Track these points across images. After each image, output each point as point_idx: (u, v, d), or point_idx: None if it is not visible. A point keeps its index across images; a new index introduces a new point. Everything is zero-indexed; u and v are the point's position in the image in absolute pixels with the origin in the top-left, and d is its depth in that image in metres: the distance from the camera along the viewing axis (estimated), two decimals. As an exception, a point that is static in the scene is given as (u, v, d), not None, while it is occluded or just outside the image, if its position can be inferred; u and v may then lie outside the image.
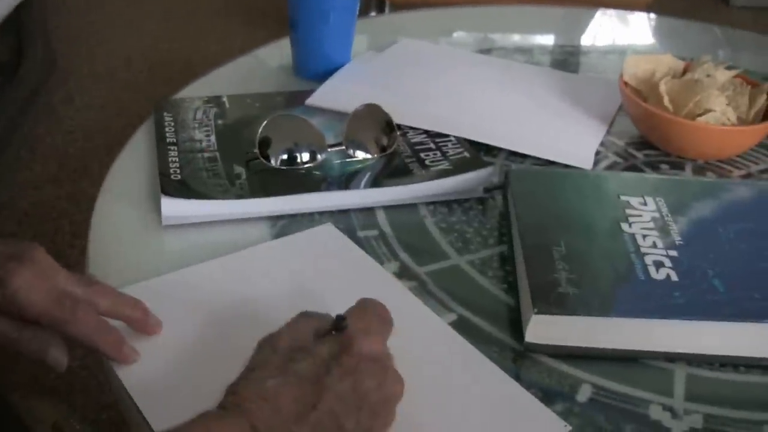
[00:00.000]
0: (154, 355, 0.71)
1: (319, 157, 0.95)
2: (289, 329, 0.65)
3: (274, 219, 0.90)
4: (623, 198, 0.89)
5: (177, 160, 0.95)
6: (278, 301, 0.76)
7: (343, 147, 0.97)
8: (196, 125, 1.03)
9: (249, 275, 0.81)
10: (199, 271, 0.82)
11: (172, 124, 1.03)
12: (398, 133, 1.01)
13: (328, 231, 0.89)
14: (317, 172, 0.95)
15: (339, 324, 0.64)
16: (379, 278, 0.82)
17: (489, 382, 0.71)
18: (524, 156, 1.05)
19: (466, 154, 1.00)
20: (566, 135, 1.10)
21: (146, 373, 0.70)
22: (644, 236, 0.83)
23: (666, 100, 1.06)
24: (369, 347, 0.63)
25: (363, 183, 0.94)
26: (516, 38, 1.49)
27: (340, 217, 0.91)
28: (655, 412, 0.70)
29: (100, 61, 3.31)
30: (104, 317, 0.71)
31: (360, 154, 0.98)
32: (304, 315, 0.67)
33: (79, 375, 1.85)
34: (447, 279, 0.84)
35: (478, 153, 1.02)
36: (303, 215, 0.91)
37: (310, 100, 1.11)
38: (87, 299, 0.70)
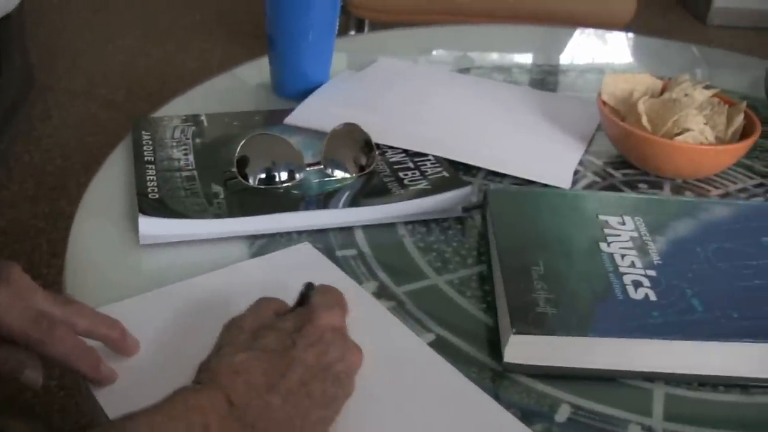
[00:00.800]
0: (132, 375, 0.71)
1: (297, 176, 0.95)
2: (251, 311, 0.69)
3: (252, 238, 0.90)
4: (601, 217, 0.89)
5: (155, 179, 0.95)
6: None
7: (322, 166, 0.97)
8: (174, 144, 1.03)
9: (227, 294, 0.81)
10: (176, 291, 0.81)
11: (150, 142, 1.03)
12: (377, 152, 1.01)
13: (305, 250, 0.88)
14: (295, 192, 0.95)
15: (306, 292, 0.71)
16: (357, 298, 0.82)
17: (468, 402, 0.71)
18: (503, 175, 1.05)
19: (445, 173, 1.00)
20: (545, 154, 1.10)
21: (123, 393, 0.69)
22: (623, 256, 0.83)
23: (644, 120, 1.06)
24: (330, 320, 0.67)
25: (341, 202, 0.94)
26: (495, 57, 1.49)
27: (319, 237, 0.91)
28: (634, 433, 0.70)
29: (78, 78, 3.30)
30: (82, 337, 0.70)
31: (339, 174, 0.98)
32: (264, 299, 0.71)
33: (57, 395, 1.83)
34: (425, 299, 0.83)
35: (457, 172, 1.02)
36: (281, 234, 0.91)
37: (289, 119, 1.11)
38: (64, 319, 0.70)
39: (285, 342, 0.64)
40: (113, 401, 0.68)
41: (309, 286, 0.71)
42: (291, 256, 0.87)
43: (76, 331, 0.70)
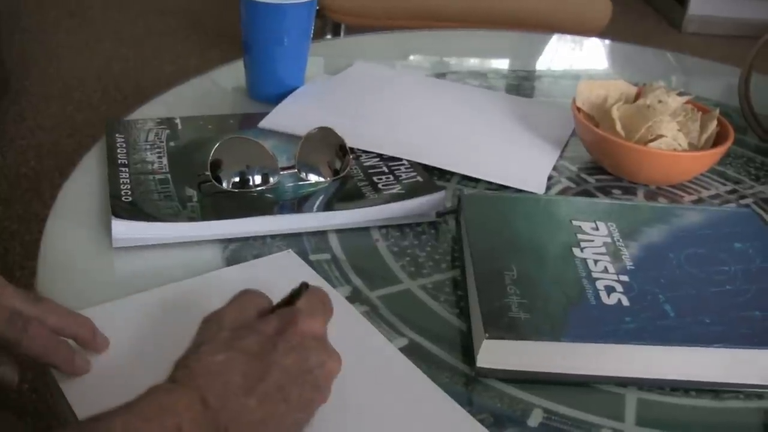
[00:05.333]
0: (105, 382, 0.70)
1: (271, 180, 0.95)
2: (233, 307, 0.69)
3: (226, 242, 0.90)
4: (575, 223, 0.89)
5: (128, 181, 0.94)
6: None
7: (296, 170, 0.97)
8: (148, 147, 1.03)
9: (204, 301, 0.80)
10: (154, 297, 0.80)
11: (124, 145, 1.02)
12: (351, 156, 1.01)
13: (287, 258, 0.88)
14: (269, 195, 0.95)
15: (298, 291, 0.70)
16: (333, 303, 0.81)
17: (437, 409, 0.71)
18: (477, 180, 1.05)
19: (419, 178, 1.00)
20: (519, 160, 1.10)
21: (96, 400, 0.68)
22: (596, 261, 0.83)
23: (618, 126, 1.06)
24: (311, 326, 0.67)
25: (315, 206, 0.94)
26: (471, 62, 1.49)
27: (293, 241, 0.91)
28: (606, 437, 0.70)
29: (53, 81, 3.29)
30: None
31: (313, 178, 0.98)
32: (247, 293, 0.71)
33: (30, 398, 1.83)
34: (399, 303, 0.83)
35: (431, 177, 1.02)
36: (255, 238, 0.91)
37: (263, 123, 1.11)
38: (36, 316, 0.69)
39: (265, 345, 0.63)
40: (86, 408, 0.68)
41: (303, 286, 0.71)
42: (272, 263, 0.87)
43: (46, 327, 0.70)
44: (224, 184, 0.93)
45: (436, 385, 0.72)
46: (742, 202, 1.08)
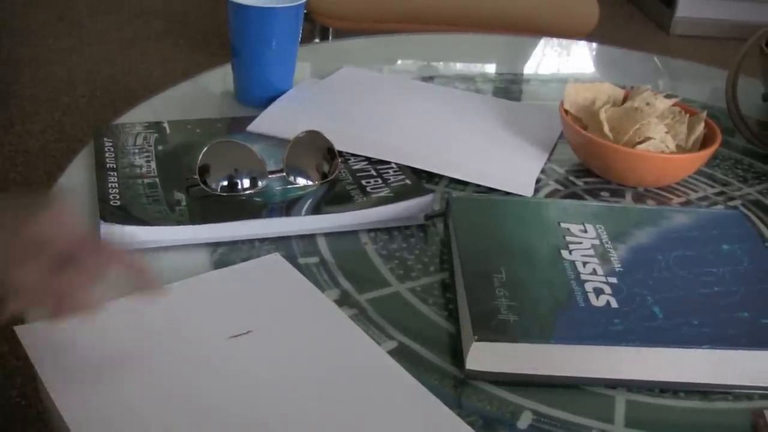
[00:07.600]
0: (95, 387, 0.70)
1: (259, 183, 0.95)
2: None
3: (214, 246, 0.90)
4: (563, 225, 0.89)
5: (116, 185, 0.94)
6: (221, 331, 0.76)
7: (284, 174, 0.97)
8: (137, 151, 1.02)
9: (193, 305, 0.80)
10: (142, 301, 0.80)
11: (112, 149, 1.02)
12: (339, 160, 1.01)
13: (275, 261, 0.88)
14: (258, 199, 0.95)
15: None
16: (321, 307, 0.81)
17: (426, 412, 0.71)
18: (465, 183, 1.05)
19: (408, 181, 1.00)
20: (507, 162, 1.10)
21: (86, 405, 0.68)
22: (584, 263, 0.83)
23: (606, 128, 1.06)
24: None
25: (304, 210, 0.94)
26: (458, 66, 1.49)
27: (281, 244, 0.91)
28: (595, 439, 0.70)
29: (41, 86, 3.28)
30: None
31: (301, 181, 0.98)
32: None
33: (19, 404, 1.82)
34: (388, 306, 0.83)
35: (420, 180, 1.02)
36: (243, 242, 0.90)
37: (252, 127, 1.11)
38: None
39: None
40: (75, 414, 0.67)
41: None
42: (260, 266, 0.87)
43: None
44: (212, 188, 0.93)
45: (425, 387, 0.72)
46: (730, 203, 1.08)
